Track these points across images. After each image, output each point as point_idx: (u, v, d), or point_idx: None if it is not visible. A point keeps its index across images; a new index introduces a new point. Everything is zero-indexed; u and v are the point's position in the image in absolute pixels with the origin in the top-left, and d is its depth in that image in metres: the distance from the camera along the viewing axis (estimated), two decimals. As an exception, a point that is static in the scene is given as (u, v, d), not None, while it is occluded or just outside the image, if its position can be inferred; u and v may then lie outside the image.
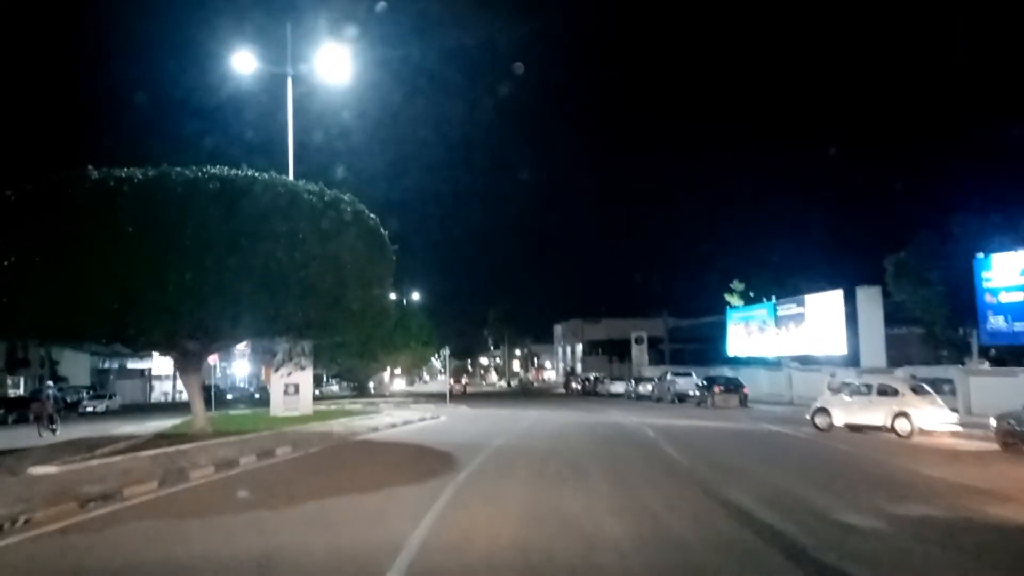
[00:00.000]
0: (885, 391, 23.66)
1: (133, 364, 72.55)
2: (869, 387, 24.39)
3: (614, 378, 61.13)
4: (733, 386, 39.26)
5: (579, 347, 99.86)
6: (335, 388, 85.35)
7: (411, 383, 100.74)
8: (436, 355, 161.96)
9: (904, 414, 22.69)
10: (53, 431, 26.79)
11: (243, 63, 26.90)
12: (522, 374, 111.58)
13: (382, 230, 22.46)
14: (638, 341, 73.78)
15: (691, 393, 43.24)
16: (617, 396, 56.00)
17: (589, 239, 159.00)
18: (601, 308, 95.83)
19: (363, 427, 24.99)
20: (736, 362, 51.30)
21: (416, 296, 70.17)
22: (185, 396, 62.73)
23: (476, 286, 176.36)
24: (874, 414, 23.44)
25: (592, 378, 65.96)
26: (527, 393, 75.66)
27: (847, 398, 24.53)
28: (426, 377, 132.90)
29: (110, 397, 52.61)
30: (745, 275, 53.69)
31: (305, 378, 32.12)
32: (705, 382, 41.26)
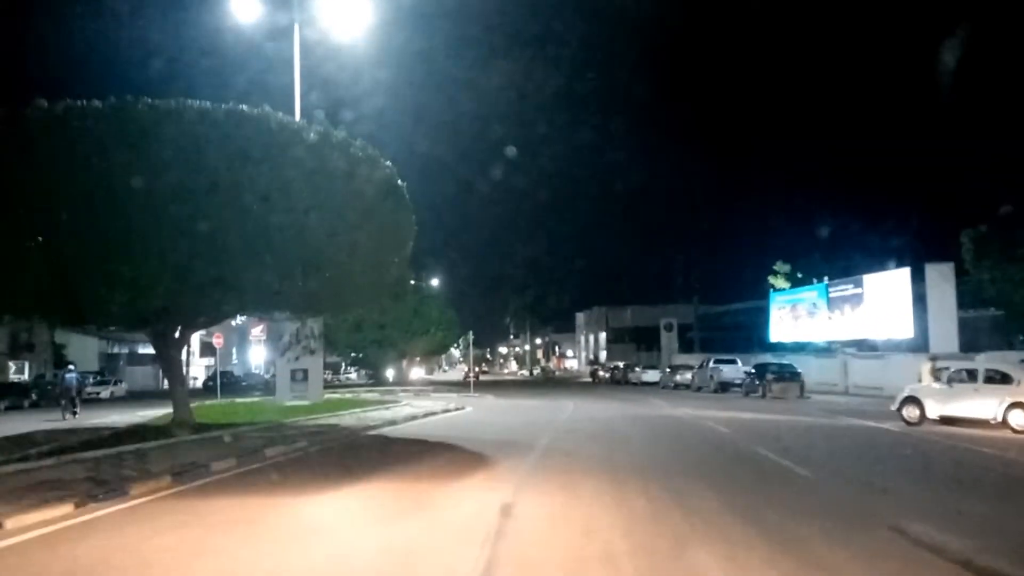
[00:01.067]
0: (994, 378, 19.41)
1: (145, 349, 68.92)
2: (973, 373, 20.13)
3: (646, 366, 56.89)
4: (789, 374, 34.98)
5: (602, 335, 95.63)
6: (353, 376, 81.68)
7: (430, 372, 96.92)
8: (456, 344, 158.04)
9: (1020, 405, 18.50)
10: (75, 414, 26.46)
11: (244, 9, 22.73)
12: (543, 362, 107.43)
13: (400, 182, 18.29)
14: (668, 328, 69.52)
15: (736, 382, 39.06)
16: (650, 385, 51.73)
17: (612, 225, 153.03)
18: (626, 295, 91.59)
19: (379, 419, 20.97)
20: (779, 348, 46.96)
21: (435, 282, 66.32)
22: (199, 383, 59.42)
23: (495, 274, 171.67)
24: (980, 405, 19.24)
25: (622, 366, 61.70)
26: (551, 382, 71.51)
27: (943, 386, 20.28)
28: (444, 366, 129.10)
29: (115, 383, 48.93)
30: (789, 256, 49.30)
31: (315, 363, 28.18)
32: (754, 370, 37.01)
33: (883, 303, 37.50)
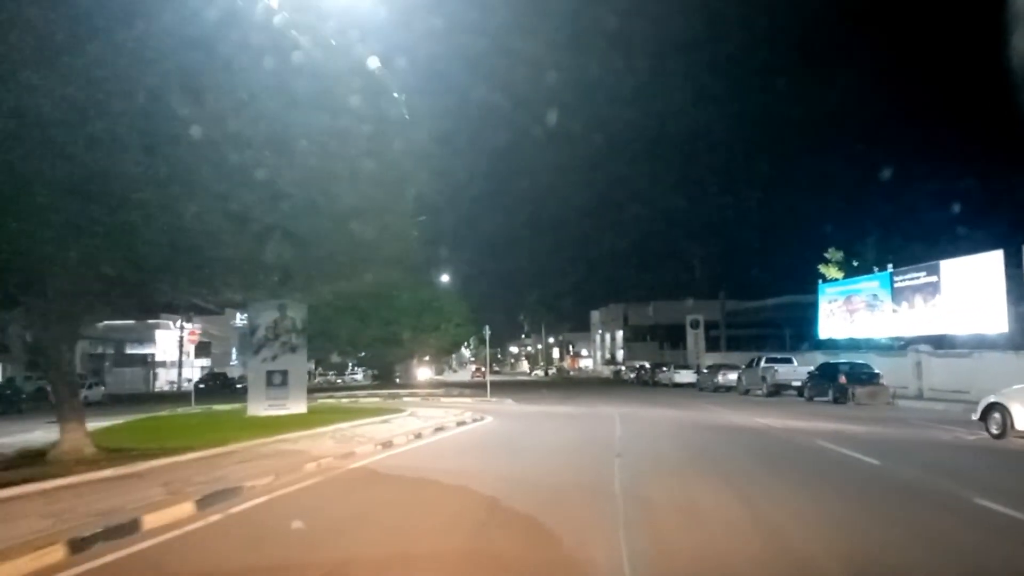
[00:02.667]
0: None
1: (133, 349, 63.36)
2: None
3: (678, 366, 50.79)
4: (866, 375, 28.94)
5: (619, 334, 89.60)
6: (359, 377, 75.83)
7: (439, 372, 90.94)
8: (467, 342, 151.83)
9: None
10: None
11: None
12: (558, 362, 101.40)
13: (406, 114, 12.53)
14: (694, 325, 63.51)
15: (794, 383, 33.10)
16: (683, 387, 45.78)
17: (633, 218, 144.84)
18: (647, 291, 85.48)
19: (370, 440, 14.97)
20: (830, 346, 40.87)
21: (446, 278, 60.36)
22: (191, 385, 53.57)
23: (507, 270, 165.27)
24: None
25: (648, 366, 55.67)
26: (569, 383, 65.46)
27: (1033, 391, 15.31)
28: (455, 366, 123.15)
29: (90, 386, 43.08)
30: (841, 243, 42.97)
31: (297, 363, 22.27)
32: (817, 370, 31.07)
33: (966, 293, 31.36)
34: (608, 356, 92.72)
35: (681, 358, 62.52)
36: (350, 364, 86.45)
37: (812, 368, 33.10)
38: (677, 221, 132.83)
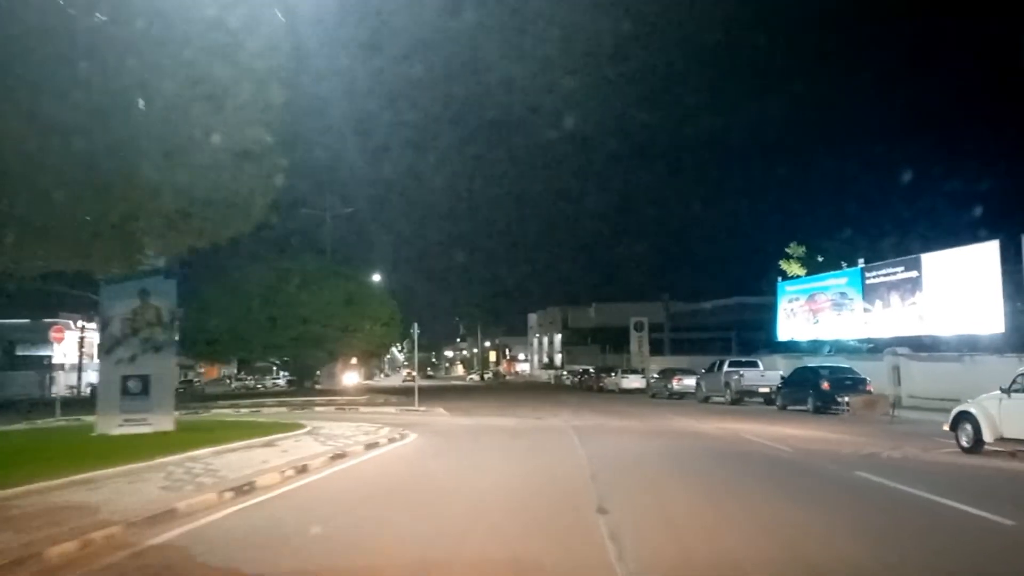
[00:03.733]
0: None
1: (25, 351, 56.48)
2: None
3: (626, 370, 46.37)
4: (850, 382, 24.90)
5: (557, 337, 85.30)
6: (281, 382, 69.79)
7: (369, 376, 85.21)
8: (400, 345, 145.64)
9: None
10: None
11: None
12: (494, 366, 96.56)
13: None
14: (638, 328, 59.37)
15: (761, 390, 28.99)
16: (632, 393, 41.42)
17: (573, 217, 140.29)
18: (586, 294, 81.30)
19: (220, 482, 9.83)
20: (791, 349, 37.00)
21: (378, 277, 54.97)
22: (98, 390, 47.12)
23: (443, 271, 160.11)
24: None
25: (593, 370, 51.24)
26: (506, 388, 60.65)
27: (1004, 397, 13.21)
28: (387, 370, 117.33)
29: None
30: (803, 239, 38.90)
31: (161, 366, 16.93)
32: (791, 376, 27.04)
33: (953, 289, 27.60)
34: (546, 360, 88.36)
35: (623, 362, 58.36)
36: (274, 368, 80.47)
37: (781, 373, 29.07)
38: (619, 222, 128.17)
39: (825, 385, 24.35)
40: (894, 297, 30.70)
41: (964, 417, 13.97)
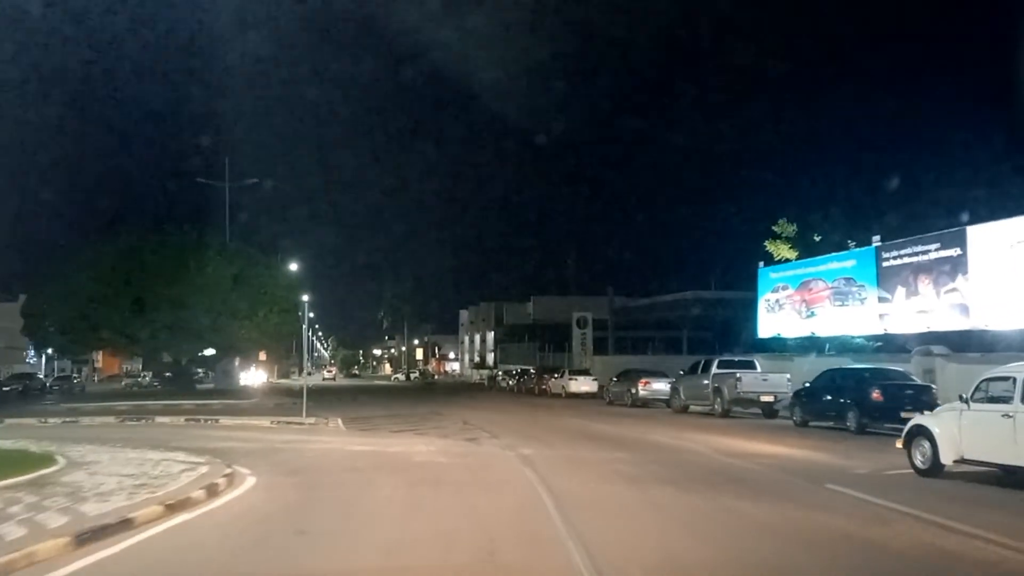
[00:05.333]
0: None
1: None
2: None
3: (575, 371, 38.42)
4: (911, 390, 17.57)
5: (491, 335, 77.22)
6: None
7: (284, 375, 75.74)
8: (325, 344, 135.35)
9: None
10: None
11: None
12: (422, 365, 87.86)
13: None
14: (581, 324, 51.57)
15: (764, 398, 21.52)
16: (583, 398, 33.64)
17: (505, 205, 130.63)
18: (522, 290, 73.36)
19: None
20: (776, 348, 29.66)
21: (293, 267, 45.99)
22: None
23: (371, 268, 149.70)
24: None
25: (533, 371, 43.29)
26: (433, 389, 52.21)
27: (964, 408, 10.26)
28: (309, 368, 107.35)
29: None
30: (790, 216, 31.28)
31: None
32: (819, 383, 19.52)
33: (1013, 271, 20.59)
34: (478, 359, 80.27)
35: (564, 361, 50.66)
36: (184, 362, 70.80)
37: (788, 376, 21.62)
38: (556, 213, 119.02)
39: (876, 394, 16.87)
40: (923, 282, 23.51)
41: (919, 433, 11.04)
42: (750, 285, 48.04)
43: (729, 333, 44.46)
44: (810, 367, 24.24)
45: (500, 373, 50.56)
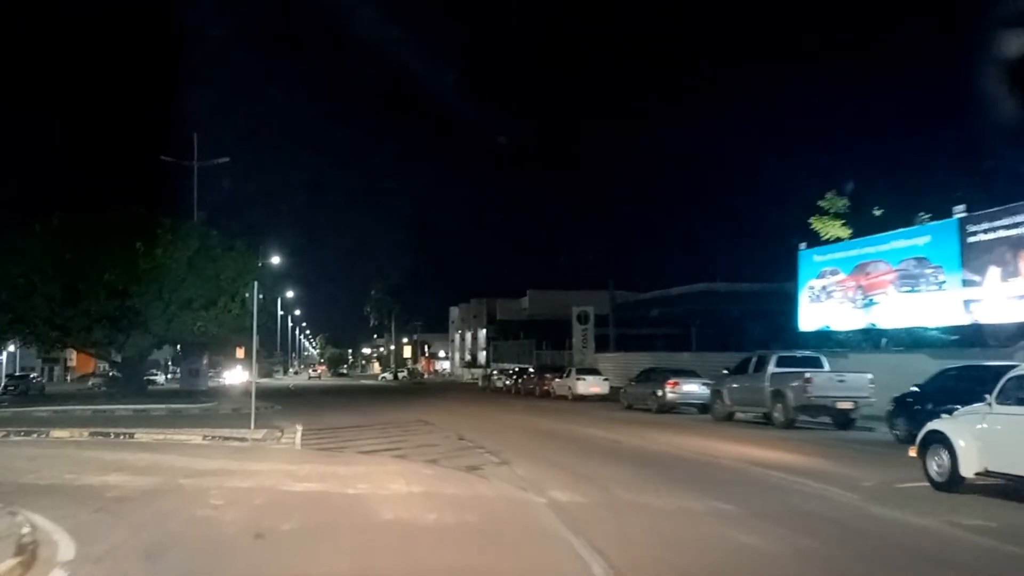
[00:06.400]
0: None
1: None
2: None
3: (582, 370, 33.13)
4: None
5: (482, 332, 72.00)
6: (160, 379, 54.75)
7: (267, 374, 70.19)
8: (312, 340, 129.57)
9: None
10: None
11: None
12: (411, 364, 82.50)
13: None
14: (582, 319, 46.50)
15: (839, 405, 16.49)
16: (592, 400, 28.61)
17: (501, 196, 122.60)
18: (515, 286, 68.17)
19: None
20: (813, 341, 24.51)
21: (276, 260, 40.65)
22: None
23: (358, 264, 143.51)
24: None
25: (533, 370, 38.08)
26: (422, 390, 46.91)
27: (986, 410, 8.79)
28: (295, 366, 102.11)
29: None
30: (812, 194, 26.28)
31: None
32: (940, 383, 14.48)
33: None
34: (469, 357, 75.12)
35: (562, 359, 45.64)
36: (166, 360, 65.47)
37: (871, 377, 16.62)
38: (550, 205, 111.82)
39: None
40: (1025, 262, 18.58)
41: (936, 440, 9.18)
42: (767, 275, 43.03)
43: (744, 328, 39.59)
44: (876, 365, 19.32)
45: (495, 372, 45.30)
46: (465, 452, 12.44)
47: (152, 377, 52.64)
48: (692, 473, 10.52)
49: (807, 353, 19.25)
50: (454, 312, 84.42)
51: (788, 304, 29.36)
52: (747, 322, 39.80)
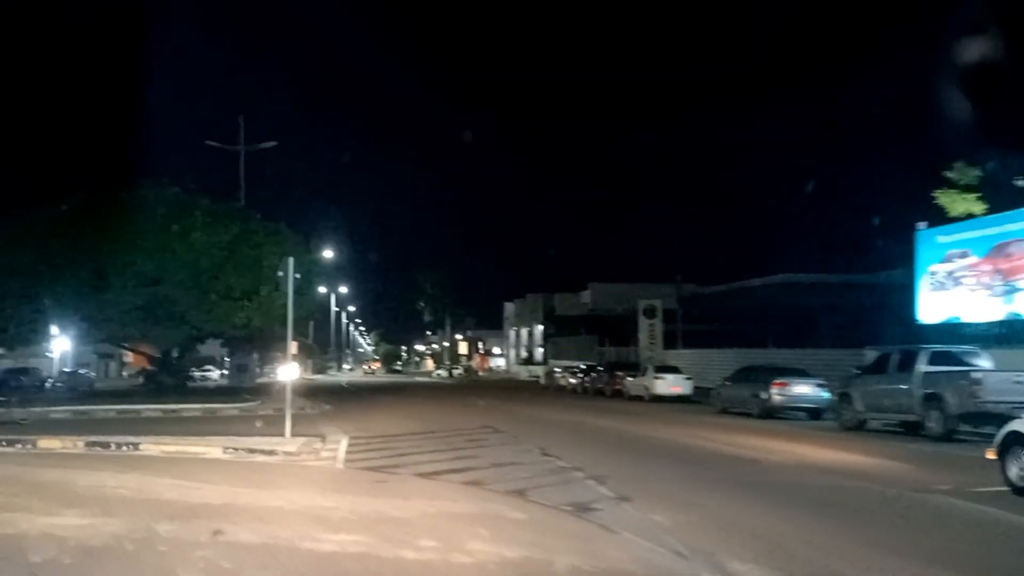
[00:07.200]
0: None
1: None
2: None
3: (661, 368, 29.48)
4: None
5: (539, 329, 68.61)
6: (215, 375, 52.56)
7: (320, 370, 67.98)
8: (364, 335, 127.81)
9: None
10: None
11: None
12: (465, 361, 79.53)
13: None
14: (650, 313, 42.75)
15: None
16: (672, 402, 25.10)
17: (555, 189, 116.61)
18: (573, 281, 64.49)
19: None
20: (946, 334, 20.49)
21: (328, 254, 37.97)
22: None
23: (414, 260, 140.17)
24: None
25: (604, 368, 34.45)
26: (481, 387, 43.75)
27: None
28: (349, 362, 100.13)
29: None
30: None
31: None
32: None
33: None
34: (525, 354, 71.88)
35: (627, 356, 42.00)
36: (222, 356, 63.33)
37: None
38: (610, 192, 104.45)
39: None
40: None
41: (1017, 441, 8.41)
42: (847, 266, 38.86)
43: (832, 323, 35.59)
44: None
45: (559, 370, 41.82)
46: (559, 477, 9.15)
47: (205, 373, 50.48)
48: (930, 527, 7.06)
49: (966, 348, 15.44)
50: (508, 308, 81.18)
51: (886, 296, 25.79)
52: (835, 316, 35.89)
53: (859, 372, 16.50)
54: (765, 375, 19.72)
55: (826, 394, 18.76)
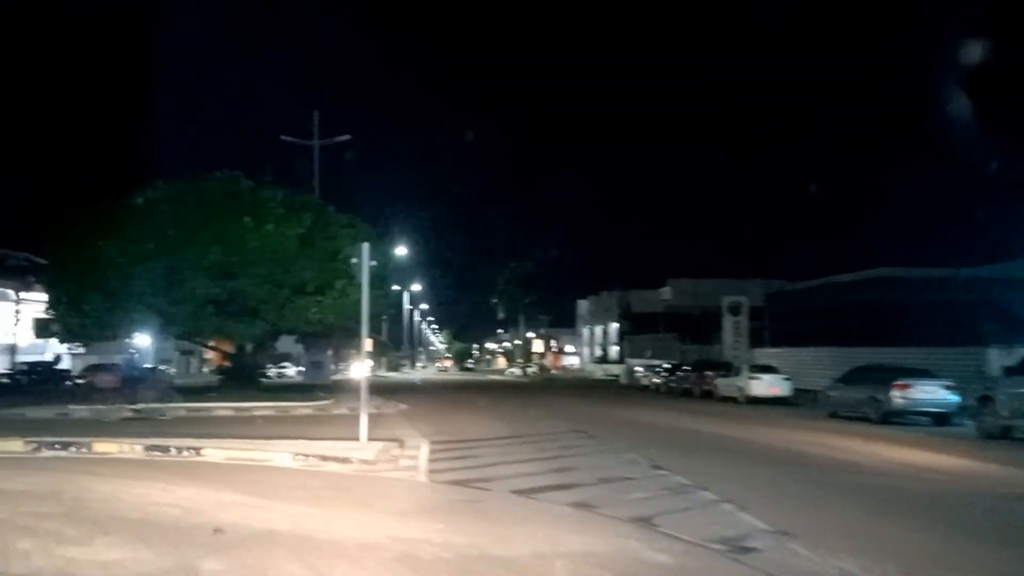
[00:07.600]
0: None
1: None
2: None
3: (757, 367, 27.36)
4: None
5: (614, 326, 66.58)
6: (290, 372, 52.12)
7: (394, 368, 67.48)
8: (434, 329, 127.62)
9: None
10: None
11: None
12: (538, 359, 77.96)
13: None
14: (734, 310, 40.43)
15: None
16: (770, 404, 23.07)
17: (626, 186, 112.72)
18: (649, 278, 62.09)
19: None
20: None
21: (401, 250, 37.07)
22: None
23: (488, 257, 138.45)
24: None
25: (691, 368, 32.42)
26: (557, 387, 42.11)
27: None
28: (422, 360, 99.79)
29: None
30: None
31: None
32: None
33: None
34: (599, 352, 69.96)
35: (710, 354, 39.70)
36: (296, 355, 63.26)
37: None
38: (687, 189, 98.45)
39: None
40: None
41: None
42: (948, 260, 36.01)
43: (926, 320, 32.75)
44: None
45: (641, 368, 39.92)
46: (685, 499, 7.53)
47: (282, 370, 50.13)
48: None
49: None
50: (582, 305, 79.29)
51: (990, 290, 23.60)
52: (936, 312, 33.04)
53: (1006, 370, 14.30)
54: (884, 376, 17.55)
55: (955, 397, 16.59)
